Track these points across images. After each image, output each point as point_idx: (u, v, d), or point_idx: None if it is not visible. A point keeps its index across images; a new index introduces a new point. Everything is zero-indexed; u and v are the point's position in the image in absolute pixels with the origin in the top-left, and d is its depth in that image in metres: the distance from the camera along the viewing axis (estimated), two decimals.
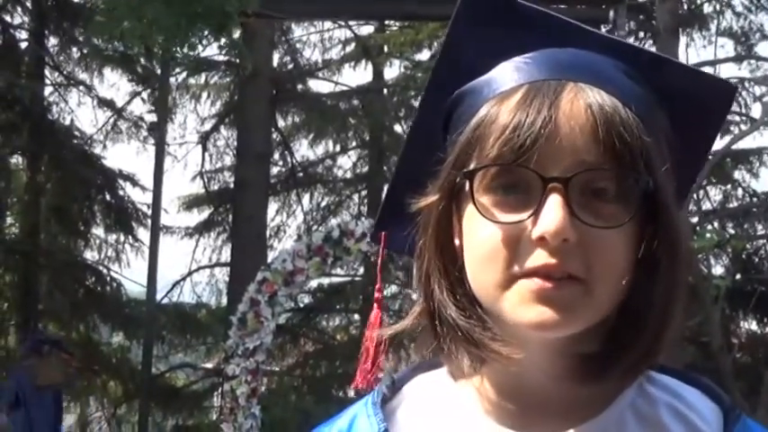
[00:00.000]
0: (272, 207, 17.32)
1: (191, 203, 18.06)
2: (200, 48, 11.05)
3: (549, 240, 1.00)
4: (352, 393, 18.23)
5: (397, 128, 18.00)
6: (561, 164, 1.02)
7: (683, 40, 13.39)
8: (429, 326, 1.14)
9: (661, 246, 1.05)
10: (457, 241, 1.12)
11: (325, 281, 16.35)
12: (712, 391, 1.17)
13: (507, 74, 1.10)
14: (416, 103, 15.72)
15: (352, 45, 18.30)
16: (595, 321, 1.05)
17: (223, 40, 10.78)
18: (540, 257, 1.01)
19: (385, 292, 16.36)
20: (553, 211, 1.00)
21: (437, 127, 1.17)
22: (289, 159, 18.12)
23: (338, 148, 18.76)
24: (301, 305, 17.62)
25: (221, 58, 17.04)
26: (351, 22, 17.49)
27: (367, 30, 18.27)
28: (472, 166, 1.06)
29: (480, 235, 1.06)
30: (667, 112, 1.11)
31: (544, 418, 1.12)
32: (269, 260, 11.18)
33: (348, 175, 19.07)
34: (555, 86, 1.05)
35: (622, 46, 1.13)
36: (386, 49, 17.13)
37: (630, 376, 1.12)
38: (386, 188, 1.20)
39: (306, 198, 18.61)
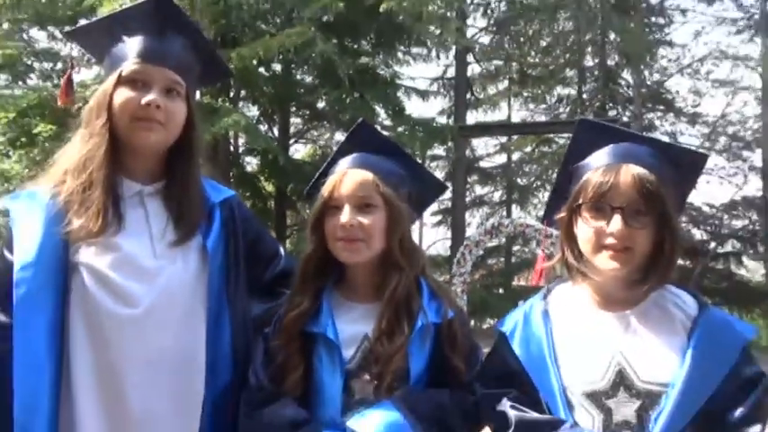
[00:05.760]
0: None
1: None
2: None
3: (617, 239, 2.36)
4: None
5: None
6: (619, 200, 2.36)
7: None
8: (566, 261, 2.54)
9: (666, 237, 2.37)
10: (576, 229, 2.47)
11: None
12: (694, 293, 2.47)
13: (600, 158, 2.47)
14: None
15: None
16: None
17: None
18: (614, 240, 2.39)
19: None
20: (615, 222, 2.35)
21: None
22: None
23: None
24: None
25: None
26: None
27: None
28: (581, 201, 2.43)
29: (583, 229, 2.43)
30: (676, 170, 2.44)
31: (616, 305, 2.47)
32: None
33: None
34: (618, 165, 2.41)
35: (657, 143, 2.48)
36: None
37: (654, 286, 2.43)
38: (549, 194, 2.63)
39: None
